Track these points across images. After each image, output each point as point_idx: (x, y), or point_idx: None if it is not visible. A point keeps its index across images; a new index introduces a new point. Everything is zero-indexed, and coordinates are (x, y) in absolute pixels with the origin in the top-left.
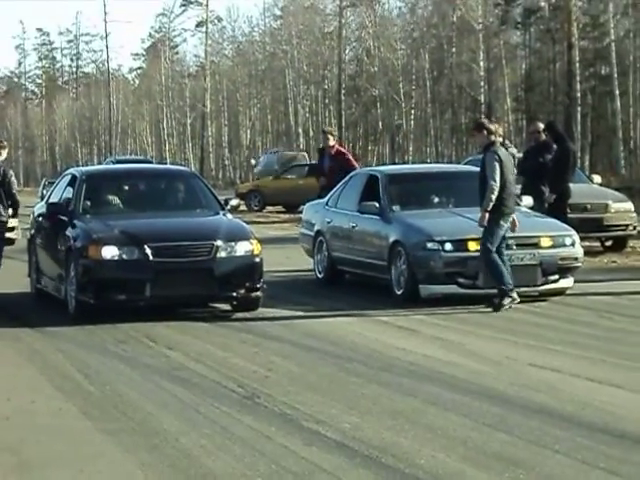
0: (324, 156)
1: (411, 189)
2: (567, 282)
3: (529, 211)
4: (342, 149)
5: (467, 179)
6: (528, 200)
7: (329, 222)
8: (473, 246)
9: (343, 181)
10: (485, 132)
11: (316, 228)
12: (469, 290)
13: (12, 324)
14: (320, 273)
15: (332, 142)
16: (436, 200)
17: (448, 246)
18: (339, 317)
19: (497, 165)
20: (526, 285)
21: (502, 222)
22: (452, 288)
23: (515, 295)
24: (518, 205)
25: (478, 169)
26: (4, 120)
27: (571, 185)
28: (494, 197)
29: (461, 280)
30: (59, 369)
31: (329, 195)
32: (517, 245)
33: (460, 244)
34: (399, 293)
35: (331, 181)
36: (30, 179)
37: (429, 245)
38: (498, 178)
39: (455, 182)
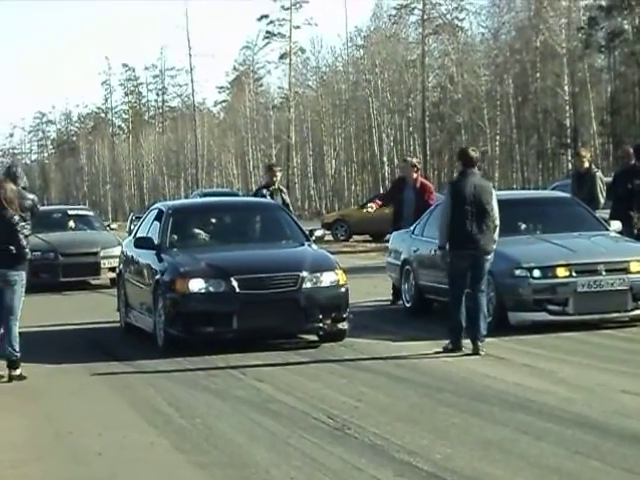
0: (404, 188)
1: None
2: None
3: (618, 236)
4: (427, 182)
5: (555, 205)
6: (617, 225)
7: (415, 251)
8: (562, 272)
9: (430, 209)
10: (460, 162)
11: (403, 257)
12: (559, 317)
13: (103, 358)
14: (408, 302)
15: (415, 174)
16: (523, 226)
17: (536, 273)
18: (428, 346)
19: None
20: (617, 311)
21: (455, 260)
22: (541, 315)
23: (450, 347)
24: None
25: (567, 195)
26: (92, 155)
27: None
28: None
29: (550, 307)
30: (150, 403)
31: (415, 224)
32: (607, 270)
33: (548, 270)
34: (488, 321)
35: (416, 215)
36: (118, 214)
37: (517, 272)
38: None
39: (542, 208)
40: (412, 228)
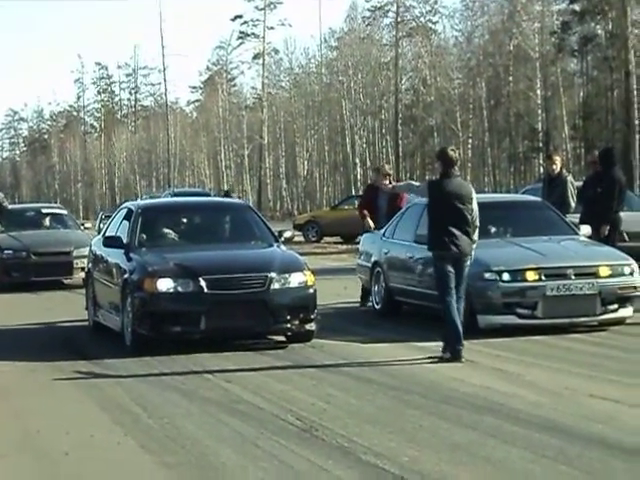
0: (377, 195)
1: None
2: (627, 311)
3: (588, 240)
4: (402, 194)
5: (525, 208)
6: (586, 229)
7: (386, 253)
8: (531, 276)
9: (401, 211)
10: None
11: (373, 259)
12: (528, 320)
13: (71, 357)
14: (377, 304)
15: (388, 183)
16: (494, 230)
17: (506, 276)
18: (397, 348)
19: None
20: (585, 315)
21: (439, 263)
22: (510, 318)
23: (447, 357)
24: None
25: (538, 199)
26: (64, 154)
27: (629, 214)
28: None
29: (519, 310)
30: (118, 402)
31: (386, 226)
32: (576, 275)
33: (518, 274)
34: None
35: (384, 222)
36: (89, 212)
37: (487, 275)
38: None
39: (513, 211)
40: (383, 230)
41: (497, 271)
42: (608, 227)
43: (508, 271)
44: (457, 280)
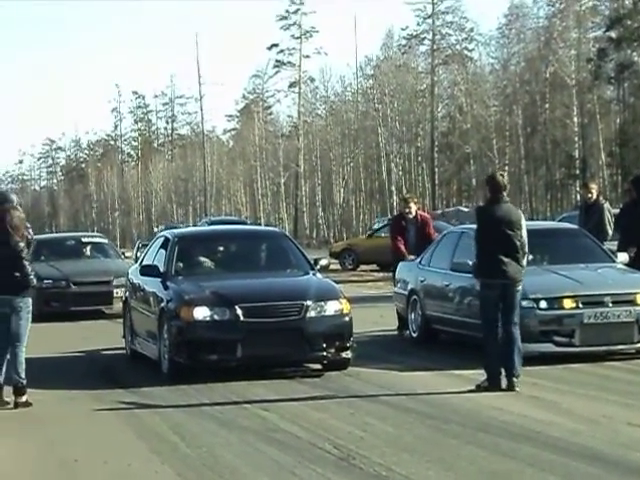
0: (405, 223)
1: None
2: None
3: (625, 267)
4: (425, 215)
5: (562, 236)
6: (624, 256)
7: (422, 281)
8: (568, 304)
9: (437, 239)
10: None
11: (410, 287)
12: (565, 348)
13: (109, 386)
14: (414, 332)
15: (414, 210)
16: (530, 257)
17: (543, 304)
18: (434, 377)
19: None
20: (623, 343)
21: (484, 290)
22: (547, 346)
23: (485, 385)
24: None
25: (574, 226)
26: (101, 182)
27: None
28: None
29: (557, 338)
30: (155, 431)
31: (422, 254)
32: (613, 302)
33: (555, 302)
34: None
35: (417, 247)
36: (126, 241)
37: (524, 303)
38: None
39: (549, 239)
40: (419, 258)
41: (534, 299)
42: (635, 250)
43: (545, 299)
44: (509, 307)
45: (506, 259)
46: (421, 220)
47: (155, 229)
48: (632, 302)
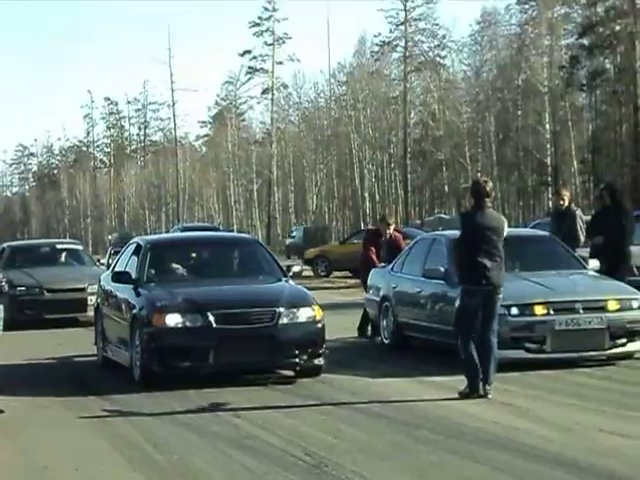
0: (379, 240)
1: None
2: (635, 345)
3: (596, 274)
4: (398, 235)
5: (534, 243)
6: (595, 263)
7: (394, 287)
8: (540, 310)
9: (409, 246)
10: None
11: (382, 293)
12: (537, 355)
13: (80, 393)
14: (386, 339)
15: (391, 230)
16: None
17: (514, 310)
18: (405, 383)
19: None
20: (594, 349)
21: (466, 297)
22: (519, 353)
23: (467, 392)
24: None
25: (546, 233)
26: (73, 189)
27: (639, 248)
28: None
29: (528, 345)
30: (127, 438)
31: (394, 261)
32: (584, 309)
33: (526, 308)
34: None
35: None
36: (99, 247)
37: None
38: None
39: (521, 246)
40: (391, 265)
41: (506, 305)
42: (602, 238)
43: (517, 305)
44: (490, 315)
45: (490, 265)
46: (393, 239)
47: (109, 237)
48: (603, 309)
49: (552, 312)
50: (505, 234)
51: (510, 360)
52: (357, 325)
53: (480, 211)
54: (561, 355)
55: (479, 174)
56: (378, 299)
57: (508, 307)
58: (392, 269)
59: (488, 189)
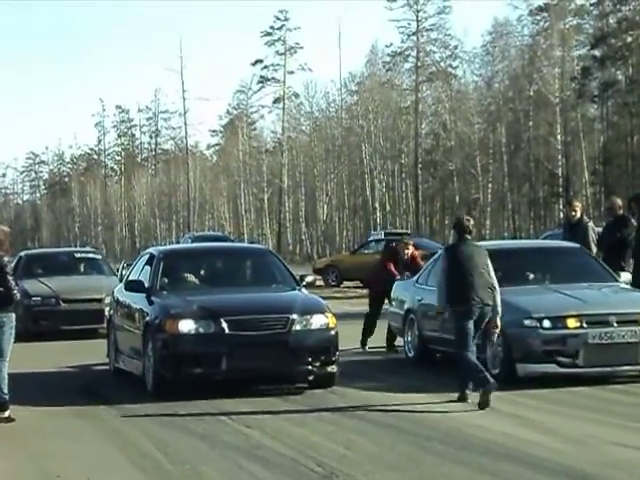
0: (398, 258)
1: (506, 266)
2: None
3: (628, 287)
4: (416, 254)
5: (563, 254)
6: (626, 276)
7: (420, 300)
8: (572, 323)
9: (433, 258)
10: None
11: (406, 306)
12: (569, 369)
13: (92, 402)
14: (410, 352)
15: (409, 251)
16: (532, 276)
17: (546, 323)
18: (418, 394)
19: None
20: (628, 364)
21: (459, 320)
22: (551, 367)
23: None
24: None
25: (576, 245)
26: (84, 197)
27: None
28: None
29: (560, 358)
30: (139, 447)
31: (419, 273)
32: (618, 322)
33: (559, 321)
34: (495, 372)
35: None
36: (109, 255)
37: (527, 322)
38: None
39: (551, 258)
40: (416, 277)
41: (537, 318)
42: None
43: (549, 318)
44: (480, 328)
45: (476, 283)
46: (411, 258)
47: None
48: (637, 322)
49: (585, 325)
50: (490, 267)
51: (541, 374)
52: (385, 341)
53: (462, 244)
54: (594, 370)
55: (490, 185)
56: (402, 312)
57: (540, 320)
58: (417, 281)
59: (468, 226)
